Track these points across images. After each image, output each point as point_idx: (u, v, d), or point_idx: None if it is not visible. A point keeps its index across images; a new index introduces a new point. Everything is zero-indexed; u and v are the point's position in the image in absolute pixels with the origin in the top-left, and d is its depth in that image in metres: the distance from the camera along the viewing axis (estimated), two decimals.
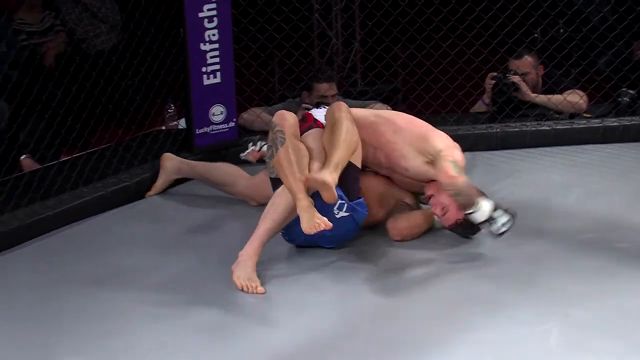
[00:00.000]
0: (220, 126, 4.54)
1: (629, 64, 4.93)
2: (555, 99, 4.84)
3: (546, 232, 3.67)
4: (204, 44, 4.38)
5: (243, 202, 4.04)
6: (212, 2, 4.35)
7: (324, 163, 3.42)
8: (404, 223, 3.62)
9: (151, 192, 4.22)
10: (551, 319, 2.98)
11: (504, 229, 3.36)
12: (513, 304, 3.09)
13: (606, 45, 5.02)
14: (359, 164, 3.57)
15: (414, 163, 3.57)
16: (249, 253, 3.30)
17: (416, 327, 2.99)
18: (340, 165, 3.43)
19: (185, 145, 4.56)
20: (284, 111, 3.62)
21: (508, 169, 4.44)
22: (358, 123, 3.60)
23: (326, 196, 3.32)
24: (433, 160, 3.52)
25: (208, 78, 4.43)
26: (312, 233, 3.27)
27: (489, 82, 4.91)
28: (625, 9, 4.94)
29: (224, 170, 4.15)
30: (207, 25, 4.36)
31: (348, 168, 3.50)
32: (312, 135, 3.58)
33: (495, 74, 4.89)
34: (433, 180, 3.55)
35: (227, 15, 4.41)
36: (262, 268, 3.34)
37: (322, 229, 3.26)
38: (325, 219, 3.27)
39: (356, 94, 5.15)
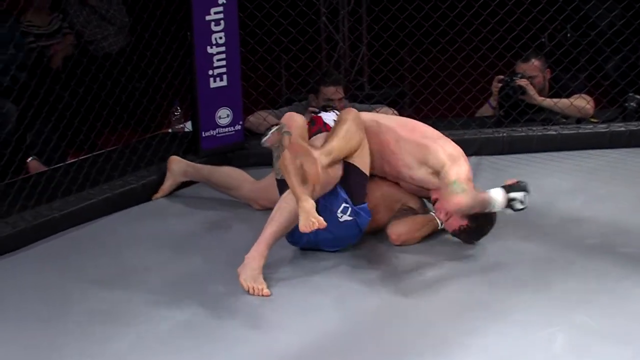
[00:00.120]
0: (227, 129, 4.54)
1: (637, 69, 4.92)
2: (561, 104, 4.84)
3: (552, 237, 3.67)
4: (211, 47, 4.38)
5: (247, 205, 4.04)
6: (219, 5, 4.36)
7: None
8: (403, 227, 3.62)
9: (158, 195, 4.22)
10: (556, 323, 2.98)
11: (522, 206, 3.39)
12: (518, 308, 3.09)
13: (613, 50, 5.01)
14: (366, 171, 3.57)
15: (419, 173, 3.58)
16: (254, 255, 3.31)
17: (420, 331, 2.98)
18: (334, 153, 3.43)
19: (191, 148, 4.57)
20: (292, 112, 3.62)
21: (514, 174, 4.38)
22: (374, 129, 3.63)
23: (309, 173, 3.32)
24: (437, 172, 3.51)
25: (215, 81, 4.43)
26: (307, 231, 3.27)
27: (496, 85, 4.91)
28: (633, 14, 4.93)
29: (229, 173, 4.15)
30: (214, 28, 4.37)
31: (354, 172, 3.51)
32: (320, 139, 3.58)
33: (502, 77, 4.89)
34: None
35: (234, 18, 4.42)
36: (268, 271, 3.34)
37: (316, 227, 3.25)
38: (321, 218, 3.26)
39: (362, 98, 5.15)
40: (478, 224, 3.48)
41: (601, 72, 5.00)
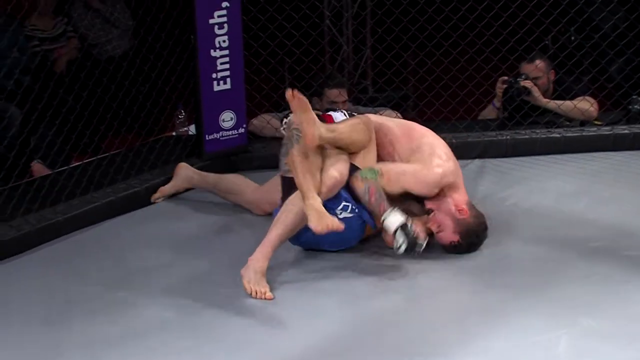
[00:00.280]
0: (230, 132, 4.55)
1: None
2: (565, 106, 4.84)
3: (555, 240, 3.67)
4: (214, 50, 4.39)
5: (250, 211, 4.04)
6: (223, 9, 4.36)
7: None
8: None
9: (157, 195, 4.22)
10: (560, 326, 2.97)
11: (397, 252, 3.30)
12: (521, 311, 3.09)
13: (617, 52, 5.01)
14: None
15: None
16: (258, 257, 3.31)
17: (423, 334, 2.98)
18: (336, 132, 3.44)
19: (195, 151, 4.57)
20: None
21: (518, 176, 4.44)
22: (381, 132, 3.64)
23: (305, 134, 3.33)
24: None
25: (218, 84, 4.44)
26: (322, 233, 3.26)
27: (500, 86, 4.91)
28: (636, 16, 4.93)
29: (233, 180, 4.16)
30: (217, 31, 4.37)
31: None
32: None
33: (506, 78, 4.89)
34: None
35: (238, 21, 4.42)
36: (270, 273, 3.35)
37: (332, 229, 3.25)
38: (336, 220, 3.27)
39: (366, 101, 5.15)
40: (468, 241, 3.48)
41: (605, 75, 4.99)
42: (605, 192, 4.17)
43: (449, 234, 3.47)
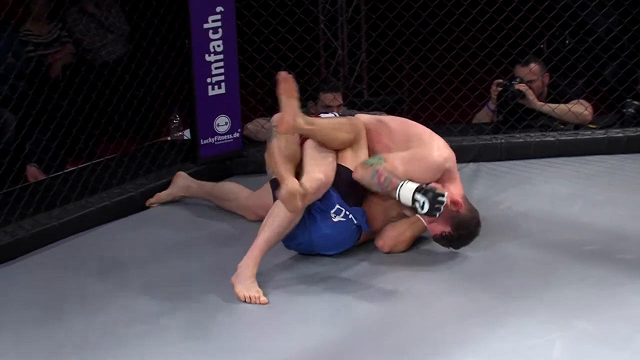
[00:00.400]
0: (225, 137, 4.55)
1: (634, 75, 4.93)
2: (560, 109, 4.85)
3: (550, 243, 3.67)
4: (209, 55, 4.39)
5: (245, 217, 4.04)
6: (217, 14, 4.37)
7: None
8: (389, 233, 3.61)
9: (152, 200, 4.22)
10: (555, 330, 2.97)
11: (422, 211, 3.32)
12: (516, 314, 3.09)
13: (611, 56, 5.02)
14: None
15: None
16: (247, 263, 3.30)
17: (419, 337, 2.98)
18: (315, 126, 3.46)
19: (190, 155, 4.57)
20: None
21: (512, 180, 4.44)
22: (366, 128, 3.64)
23: (282, 119, 3.36)
24: None
25: (213, 89, 4.44)
26: (292, 212, 3.27)
27: (495, 89, 4.91)
28: (630, 20, 4.94)
29: (227, 187, 4.18)
30: (212, 36, 4.38)
31: (346, 174, 3.51)
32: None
33: (501, 80, 4.90)
34: None
35: (232, 26, 4.43)
36: (265, 277, 3.35)
37: (300, 209, 3.27)
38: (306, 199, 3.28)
39: (361, 105, 5.16)
40: (459, 233, 3.47)
41: (599, 78, 5.00)
42: (600, 196, 4.17)
43: (440, 225, 3.45)
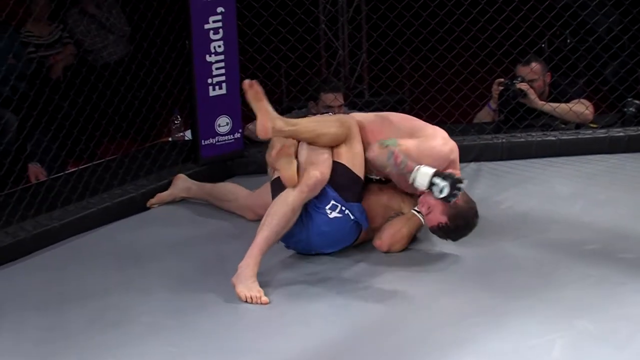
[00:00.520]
0: (226, 137, 4.55)
1: (635, 74, 4.93)
2: (561, 109, 4.84)
3: (551, 242, 3.67)
4: (210, 56, 4.39)
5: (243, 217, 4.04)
6: (218, 14, 4.37)
7: None
8: (386, 232, 3.61)
9: (153, 201, 4.23)
10: (555, 329, 2.97)
11: (441, 195, 3.34)
12: (516, 314, 3.09)
13: (612, 55, 5.02)
14: (357, 172, 3.57)
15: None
16: (248, 263, 3.31)
17: (420, 338, 2.98)
18: (298, 126, 3.48)
19: (191, 156, 4.58)
20: None
21: (513, 179, 4.44)
22: (360, 125, 3.65)
23: (259, 125, 3.40)
24: None
25: (214, 89, 4.44)
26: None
27: (496, 88, 4.91)
28: (630, 20, 4.94)
29: (226, 187, 4.19)
30: (212, 36, 4.38)
31: (341, 170, 3.53)
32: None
33: (502, 79, 4.90)
34: None
35: (233, 26, 4.43)
36: (265, 277, 3.35)
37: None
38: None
39: (362, 105, 5.16)
40: (456, 224, 3.46)
41: (600, 78, 5.00)
42: (601, 195, 4.17)
43: (437, 215, 3.45)
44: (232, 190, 4.14)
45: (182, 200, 4.27)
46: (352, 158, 3.56)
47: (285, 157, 3.42)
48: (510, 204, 4.10)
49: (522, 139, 4.76)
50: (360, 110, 5.02)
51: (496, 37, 4.87)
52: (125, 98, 4.67)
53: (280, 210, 3.36)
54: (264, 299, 3.23)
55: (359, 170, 3.57)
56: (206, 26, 4.36)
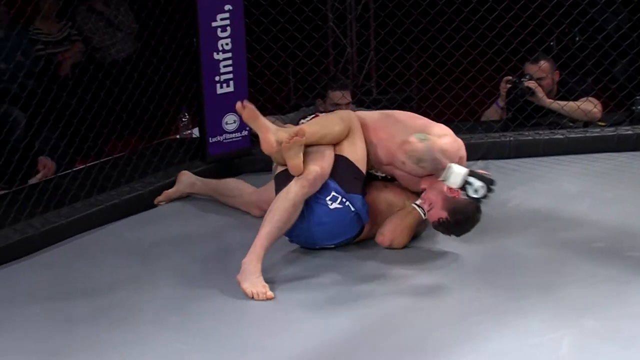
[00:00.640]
0: (234, 135, 4.55)
1: None
2: (569, 107, 4.83)
3: (558, 241, 3.66)
4: (217, 53, 4.40)
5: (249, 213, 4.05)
6: (225, 12, 4.37)
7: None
8: (386, 227, 3.62)
9: (161, 198, 4.24)
10: (562, 327, 2.96)
11: (476, 195, 3.36)
12: (523, 313, 3.08)
13: (620, 53, 5.00)
14: (359, 165, 3.58)
15: None
16: (251, 259, 3.31)
17: (425, 335, 2.98)
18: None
19: (198, 154, 4.58)
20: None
21: (521, 178, 4.43)
22: (363, 122, 3.65)
23: (262, 142, 3.45)
24: None
25: (221, 87, 4.45)
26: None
27: (504, 86, 4.91)
28: (639, 17, 4.93)
29: (232, 184, 4.20)
30: (220, 34, 4.38)
31: (342, 162, 3.54)
32: None
33: (510, 77, 4.89)
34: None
35: (240, 24, 4.43)
36: (270, 274, 3.35)
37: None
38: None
39: (369, 103, 5.16)
40: (456, 219, 3.45)
41: (608, 76, 4.99)
42: (609, 193, 4.16)
43: (437, 211, 3.45)
44: (237, 186, 4.15)
45: (188, 197, 4.28)
46: (354, 152, 3.58)
47: (295, 147, 3.43)
48: (517, 202, 4.10)
49: (530, 137, 4.75)
50: (368, 107, 5.02)
51: (504, 34, 4.86)
52: (133, 95, 4.68)
53: (282, 206, 3.38)
54: (269, 294, 3.24)
55: (360, 164, 3.58)
56: (214, 24, 4.36)
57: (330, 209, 3.48)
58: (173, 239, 3.86)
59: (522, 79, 4.86)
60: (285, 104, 5.39)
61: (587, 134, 4.76)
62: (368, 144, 3.64)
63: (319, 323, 3.09)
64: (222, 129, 4.51)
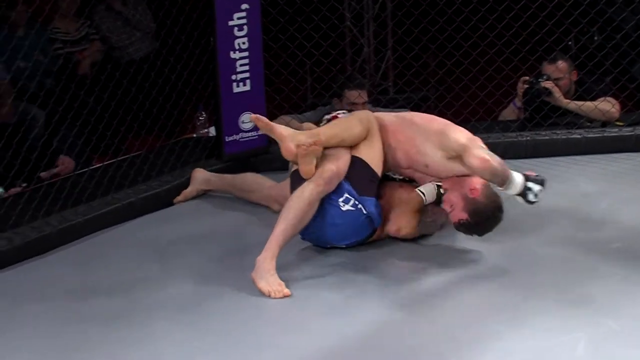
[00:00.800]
0: (250, 134, 4.56)
1: None
2: (586, 107, 4.81)
3: (575, 241, 3.65)
4: (234, 52, 4.40)
5: (267, 208, 4.05)
6: (242, 11, 4.38)
7: None
8: (391, 215, 3.63)
9: (180, 198, 4.25)
10: (579, 327, 2.96)
11: (536, 200, 3.39)
12: (540, 312, 3.07)
13: (639, 53, 4.97)
14: (374, 167, 3.57)
15: (434, 158, 3.54)
16: (266, 256, 3.32)
17: (441, 334, 2.98)
18: (320, 136, 3.48)
19: (214, 152, 4.59)
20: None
21: None
22: (382, 124, 3.65)
23: (282, 149, 3.46)
24: (457, 155, 3.48)
25: (238, 86, 4.45)
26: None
27: (521, 86, 4.89)
28: None
29: (249, 178, 4.20)
30: (237, 33, 4.39)
31: (358, 164, 3.54)
32: None
33: (527, 77, 4.87)
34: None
35: (257, 23, 4.44)
36: (283, 272, 3.34)
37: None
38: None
39: (386, 102, 5.15)
40: (476, 220, 3.45)
41: (626, 76, 4.96)
42: (627, 193, 4.14)
43: (458, 212, 3.46)
44: (255, 180, 4.16)
45: (205, 195, 4.29)
46: (371, 154, 3.57)
47: (311, 155, 3.43)
48: None
49: (547, 137, 4.73)
50: (385, 107, 5.01)
51: (522, 34, 4.84)
52: (150, 94, 4.69)
53: (297, 204, 3.38)
54: (286, 291, 3.24)
55: (376, 166, 3.58)
56: (230, 23, 4.37)
57: (342, 210, 3.48)
58: (189, 237, 3.87)
59: (539, 79, 4.84)
60: (302, 103, 5.39)
61: (605, 134, 4.74)
62: (386, 146, 3.63)
63: (334, 322, 3.09)
64: (238, 127, 4.52)
